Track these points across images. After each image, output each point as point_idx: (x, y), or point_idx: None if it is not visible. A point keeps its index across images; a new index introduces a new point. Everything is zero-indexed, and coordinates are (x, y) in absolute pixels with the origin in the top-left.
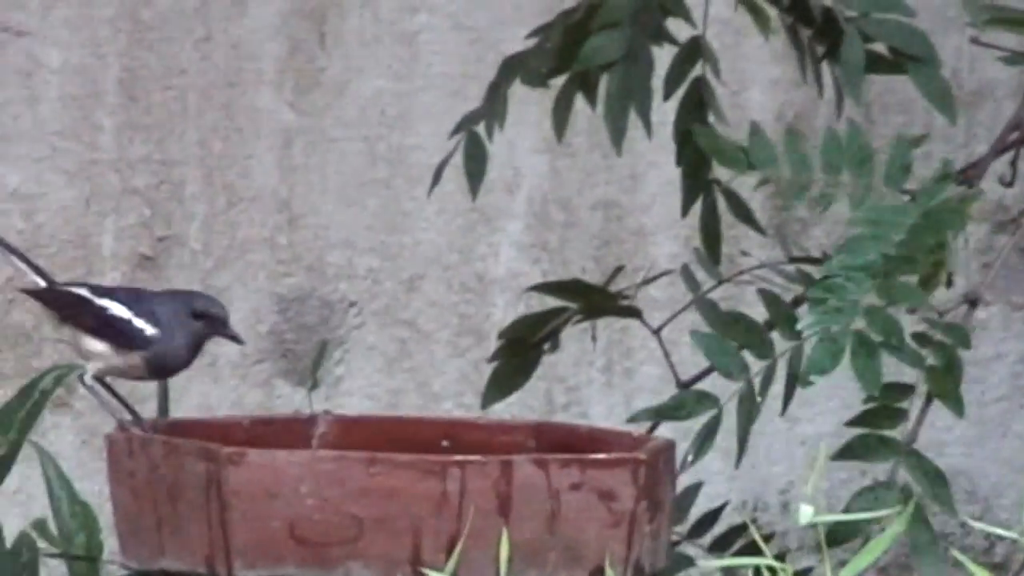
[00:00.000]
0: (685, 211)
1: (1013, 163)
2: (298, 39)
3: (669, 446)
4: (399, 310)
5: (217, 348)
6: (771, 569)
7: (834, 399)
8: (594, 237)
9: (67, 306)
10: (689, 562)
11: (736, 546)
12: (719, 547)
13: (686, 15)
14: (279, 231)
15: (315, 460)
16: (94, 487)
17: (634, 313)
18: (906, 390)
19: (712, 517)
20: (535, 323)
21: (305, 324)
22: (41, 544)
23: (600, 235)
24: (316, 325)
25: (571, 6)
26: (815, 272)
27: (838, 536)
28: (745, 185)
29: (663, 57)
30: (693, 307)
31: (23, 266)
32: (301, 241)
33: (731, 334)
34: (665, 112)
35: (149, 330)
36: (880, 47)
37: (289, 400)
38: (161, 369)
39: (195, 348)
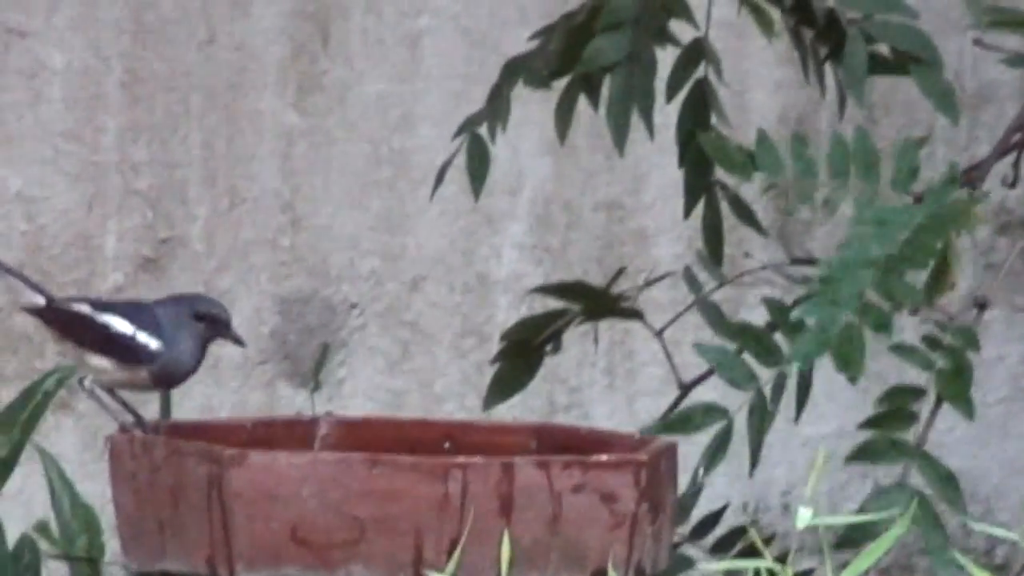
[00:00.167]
0: (687, 213)
1: (1016, 165)
2: (301, 41)
3: (671, 448)
4: (401, 311)
5: (219, 350)
6: (771, 571)
7: (835, 401)
8: (596, 239)
9: (68, 324)
10: (690, 564)
11: (737, 548)
12: (720, 549)
13: (689, 17)
14: (282, 233)
15: (317, 462)
16: (96, 489)
17: (636, 315)
18: (916, 393)
19: (713, 519)
20: (537, 325)
21: (307, 326)
22: (43, 546)
23: (602, 237)
24: (318, 327)
25: (574, 8)
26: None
27: (850, 540)
28: (748, 187)
29: (666, 59)
30: (695, 309)
31: (20, 284)
32: (303, 243)
33: (738, 343)
34: (668, 114)
35: (153, 344)
36: (883, 49)
37: (291, 402)
38: (167, 381)
39: (199, 353)
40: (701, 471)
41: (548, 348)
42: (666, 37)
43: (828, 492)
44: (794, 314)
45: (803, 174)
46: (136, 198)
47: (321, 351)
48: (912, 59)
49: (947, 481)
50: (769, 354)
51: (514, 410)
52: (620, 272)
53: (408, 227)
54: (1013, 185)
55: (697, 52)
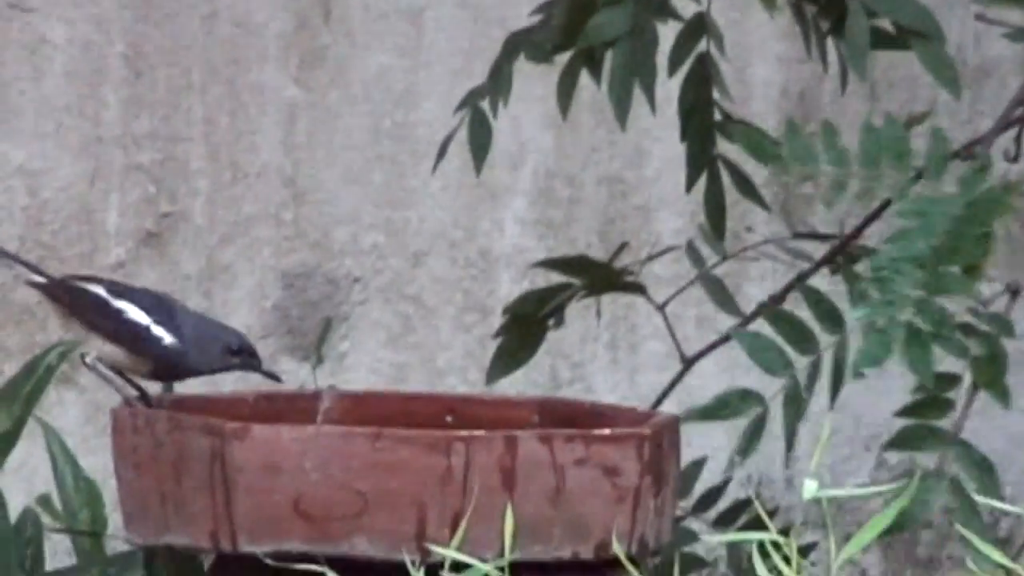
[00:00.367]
0: (689, 187)
1: (1018, 139)
2: (303, 15)
3: (674, 421)
4: (404, 286)
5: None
6: (775, 544)
7: None
8: (599, 213)
9: (79, 303)
10: (693, 537)
11: (740, 521)
12: (723, 522)
13: None
14: (284, 207)
15: (319, 435)
16: (98, 463)
17: (638, 289)
18: (953, 380)
19: (716, 492)
20: (540, 299)
21: (310, 300)
22: (45, 519)
23: (605, 211)
24: (321, 301)
25: None
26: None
27: (896, 526)
28: (749, 160)
29: (667, 33)
30: (698, 283)
31: (20, 267)
32: (306, 217)
33: (773, 329)
34: (669, 88)
35: (168, 339)
36: (885, 23)
37: (294, 376)
38: (168, 377)
39: (210, 369)
40: (737, 459)
41: (550, 322)
42: (668, 11)
43: (831, 465)
44: (854, 316)
45: (835, 164)
46: (138, 172)
47: (323, 325)
48: (914, 33)
49: (983, 468)
50: (804, 341)
51: (516, 384)
52: (622, 246)
53: (410, 201)
54: (1015, 159)
55: (699, 26)
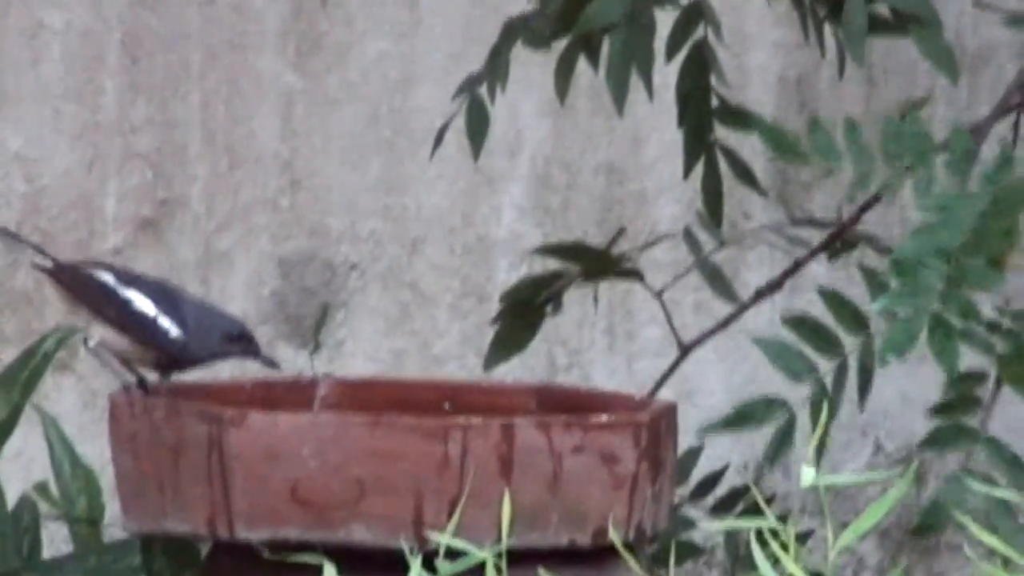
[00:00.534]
0: (687, 173)
1: (1016, 125)
2: (301, 1)
3: (671, 408)
4: (401, 272)
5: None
6: (773, 531)
7: None
8: (596, 199)
9: (85, 290)
10: (691, 524)
11: (738, 508)
12: (721, 509)
13: None
14: (281, 193)
15: (317, 422)
16: (96, 450)
17: (636, 275)
18: (981, 378)
19: (714, 479)
20: (537, 285)
21: (307, 287)
22: (42, 507)
23: (602, 197)
24: (318, 288)
25: None
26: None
27: (927, 526)
28: (747, 147)
29: (665, 19)
30: (695, 270)
31: (27, 248)
32: (303, 203)
33: (796, 334)
34: (667, 75)
35: (174, 331)
36: (882, 9)
37: (291, 363)
38: (170, 368)
39: (210, 360)
40: (766, 467)
41: (548, 309)
42: None
43: (829, 452)
44: (877, 306)
45: (859, 160)
46: (136, 159)
47: (321, 312)
48: (912, 19)
49: (1013, 465)
50: (828, 345)
51: (514, 371)
52: (620, 233)
53: (408, 188)
54: (1013, 145)
55: (696, 13)
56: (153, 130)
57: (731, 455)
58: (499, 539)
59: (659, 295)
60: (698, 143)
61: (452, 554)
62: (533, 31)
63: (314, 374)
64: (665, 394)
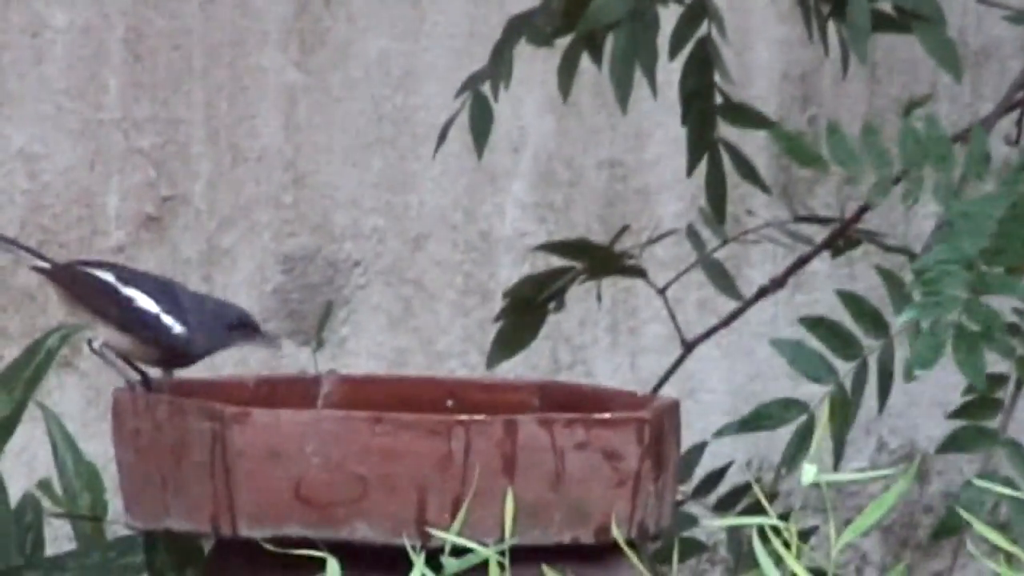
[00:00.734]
0: (690, 170)
1: (1019, 122)
2: None
3: (674, 405)
4: (404, 270)
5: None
6: (775, 528)
7: None
8: (599, 196)
9: (86, 290)
10: (693, 521)
11: (740, 506)
12: (723, 507)
13: None
14: (284, 191)
15: (320, 420)
16: (99, 447)
17: (639, 272)
18: (1001, 380)
19: (717, 477)
20: (540, 282)
21: (310, 284)
22: (46, 504)
23: (605, 194)
24: (321, 285)
25: None
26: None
27: (948, 528)
28: (750, 144)
29: (669, 16)
30: (698, 267)
31: (23, 253)
32: (306, 201)
33: (815, 336)
34: (670, 72)
35: (177, 328)
36: (886, 6)
37: (294, 360)
38: (173, 365)
39: (213, 350)
40: (784, 470)
41: (551, 306)
42: None
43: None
44: (902, 319)
45: (876, 165)
46: (138, 156)
47: (324, 309)
48: (915, 16)
49: None
50: (847, 347)
51: (517, 368)
52: (623, 230)
53: (411, 185)
54: (1016, 142)
55: (700, 9)
56: (156, 127)
57: (735, 452)
58: (502, 536)
59: (662, 292)
60: (701, 140)
61: (455, 551)
62: (536, 28)
63: (317, 371)
64: (668, 391)
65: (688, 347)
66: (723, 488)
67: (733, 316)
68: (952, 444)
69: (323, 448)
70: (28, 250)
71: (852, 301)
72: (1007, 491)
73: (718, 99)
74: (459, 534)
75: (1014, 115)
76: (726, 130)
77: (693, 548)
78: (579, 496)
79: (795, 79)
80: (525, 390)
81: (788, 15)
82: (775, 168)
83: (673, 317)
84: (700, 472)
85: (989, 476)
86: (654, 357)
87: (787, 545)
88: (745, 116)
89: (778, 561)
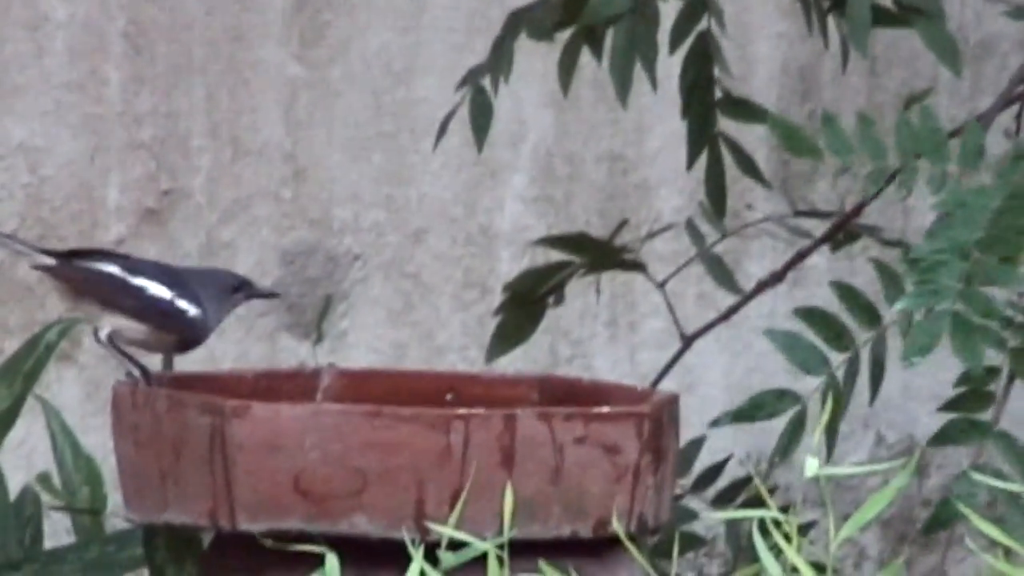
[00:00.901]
0: (690, 164)
1: (1019, 117)
2: None
3: (673, 399)
4: (404, 263)
5: None
6: (775, 522)
7: None
8: (599, 190)
9: (95, 284)
10: (693, 515)
11: (740, 499)
12: (723, 500)
13: None
14: (284, 184)
15: (319, 413)
16: (98, 441)
17: (638, 267)
18: (994, 372)
19: (716, 471)
20: (540, 277)
21: (310, 277)
22: (45, 497)
23: (605, 188)
24: (321, 278)
25: None
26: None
27: (940, 521)
28: (750, 138)
29: (668, 11)
30: (698, 261)
31: (24, 249)
32: (306, 194)
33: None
34: (670, 66)
35: (192, 311)
36: (886, 0)
37: (294, 353)
38: (189, 346)
39: (221, 321)
40: (777, 459)
41: (550, 300)
42: None
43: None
44: (897, 307)
45: (872, 156)
46: (139, 150)
47: (323, 303)
48: (915, 11)
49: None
50: (839, 338)
51: (516, 362)
52: (622, 224)
53: (411, 179)
54: (1016, 136)
55: (700, 4)
56: (156, 121)
57: (733, 446)
58: (501, 530)
59: (661, 286)
60: (701, 134)
61: (454, 545)
62: (537, 22)
63: (316, 365)
64: (667, 385)
65: (687, 341)
66: (722, 482)
67: (732, 310)
68: (944, 437)
69: (322, 442)
70: (30, 247)
71: (846, 293)
72: (999, 483)
73: (718, 93)
74: (458, 528)
75: (1014, 109)
76: (726, 124)
77: (692, 542)
78: (578, 490)
79: (795, 73)
80: (524, 384)
81: (788, 9)
82: (775, 162)
83: (672, 311)
84: (699, 466)
85: (981, 468)
86: (653, 351)
87: (786, 539)
88: (745, 110)
89: (777, 555)
